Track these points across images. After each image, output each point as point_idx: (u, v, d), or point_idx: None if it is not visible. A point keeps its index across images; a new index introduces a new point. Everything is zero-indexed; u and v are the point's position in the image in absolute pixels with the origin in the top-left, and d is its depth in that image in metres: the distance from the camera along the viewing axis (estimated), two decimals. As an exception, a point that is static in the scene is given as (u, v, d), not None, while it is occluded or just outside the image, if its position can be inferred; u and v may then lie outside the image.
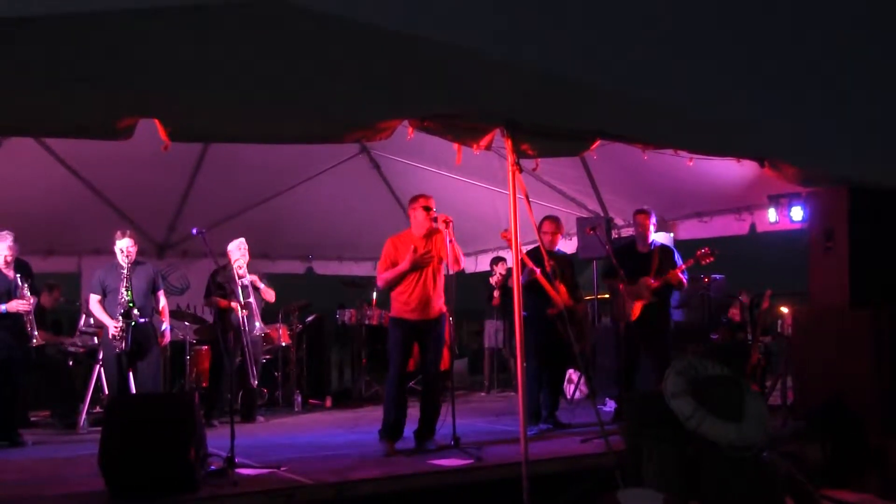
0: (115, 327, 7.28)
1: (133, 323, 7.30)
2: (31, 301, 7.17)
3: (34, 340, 7.27)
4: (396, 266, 6.49)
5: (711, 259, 7.66)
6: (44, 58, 4.14)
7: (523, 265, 7.00)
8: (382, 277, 6.60)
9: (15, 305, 7.06)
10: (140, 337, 7.40)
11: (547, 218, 7.64)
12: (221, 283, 8.29)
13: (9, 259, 7.16)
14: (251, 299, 8.24)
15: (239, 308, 7.78)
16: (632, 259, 7.71)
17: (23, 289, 7.13)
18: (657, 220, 10.08)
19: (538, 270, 7.17)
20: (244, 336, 7.76)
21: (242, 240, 8.45)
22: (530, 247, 7.89)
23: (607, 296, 9.32)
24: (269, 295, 8.68)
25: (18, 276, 7.16)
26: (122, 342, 7.25)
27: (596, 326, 10.31)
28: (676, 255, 7.76)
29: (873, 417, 6.48)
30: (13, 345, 7.16)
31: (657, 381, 7.57)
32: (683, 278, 7.63)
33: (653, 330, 7.48)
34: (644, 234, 7.79)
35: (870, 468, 6.24)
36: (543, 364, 7.43)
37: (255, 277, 8.49)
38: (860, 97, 4.35)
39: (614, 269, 7.60)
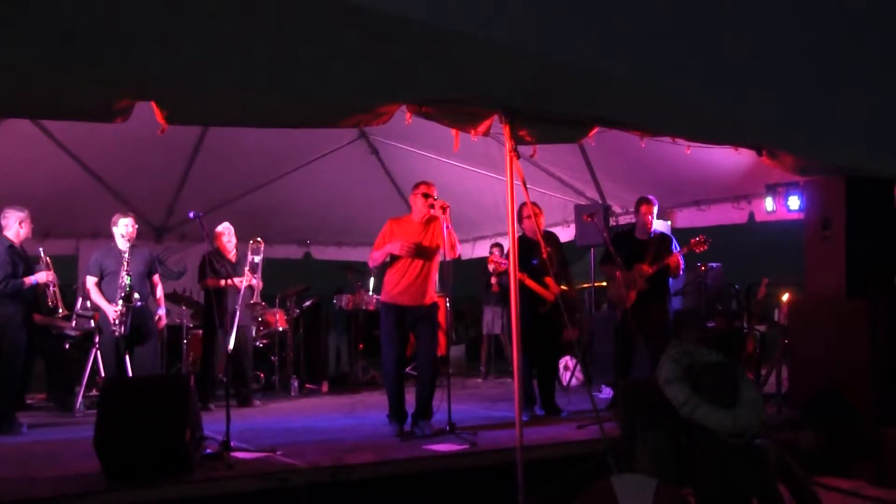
0: (115, 311, 7.30)
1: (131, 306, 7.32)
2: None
3: (59, 312, 7.53)
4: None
5: (705, 247, 7.65)
6: (39, 37, 4.11)
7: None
8: (371, 256, 6.67)
9: (44, 277, 7.23)
10: (138, 321, 7.43)
11: (525, 203, 7.48)
12: (217, 266, 8.31)
13: (23, 235, 7.21)
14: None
15: (242, 283, 8.09)
16: (630, 246, 7.69)
17: (45, 260, 7.37)
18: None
19: (524, 276, 7.05)
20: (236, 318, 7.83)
21: (227, 223, 8.74)
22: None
23: (605, 283, 9.31)
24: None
25: (41, 249, 7.42)
26: (121, 326, 7.27)
27: (593, 314, 10.33)
28: (674, 243, 7.73)
29: (867, 406, 6.51)
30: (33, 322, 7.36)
31: (653, 368, 7.60)
32: (681, 263, 7.62)
33: (649, 318, 7.47)
34: (645, 222, 7.74)
35: (863, 456, 6.27)
36: (532, 351, 7.37)
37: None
38: (859, 86, 4.34)
39: (611, 256, 7.59)
